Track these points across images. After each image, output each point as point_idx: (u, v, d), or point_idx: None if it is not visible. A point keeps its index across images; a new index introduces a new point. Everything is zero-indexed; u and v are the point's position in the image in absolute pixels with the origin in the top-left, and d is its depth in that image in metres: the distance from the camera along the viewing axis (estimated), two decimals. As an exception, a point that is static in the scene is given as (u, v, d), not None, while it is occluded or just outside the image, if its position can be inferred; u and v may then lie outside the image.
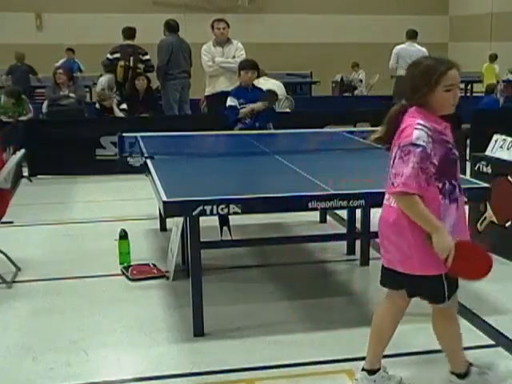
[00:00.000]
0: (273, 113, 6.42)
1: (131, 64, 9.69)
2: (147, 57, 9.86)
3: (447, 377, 3.35)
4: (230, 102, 6.33)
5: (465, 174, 5.80)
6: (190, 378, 3.41)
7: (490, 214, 5.32)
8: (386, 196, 3.11)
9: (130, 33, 9.92)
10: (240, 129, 6.28)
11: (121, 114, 9.56)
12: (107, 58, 9.88)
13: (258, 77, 9.05)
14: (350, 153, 5.32)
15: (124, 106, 9.73)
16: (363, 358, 3.56)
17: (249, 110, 6.20)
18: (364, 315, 4.17)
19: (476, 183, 4.07)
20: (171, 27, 9.62)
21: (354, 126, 8.81)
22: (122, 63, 9.67)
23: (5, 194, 5.00)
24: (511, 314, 4.18)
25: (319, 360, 3.55)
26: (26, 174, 8.37)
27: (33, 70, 13.53)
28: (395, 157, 2.94)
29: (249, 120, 6.34)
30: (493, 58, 15.43)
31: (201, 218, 3.66)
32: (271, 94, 6.40)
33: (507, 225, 5.16)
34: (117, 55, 9.74)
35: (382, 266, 3.19)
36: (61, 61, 14.45)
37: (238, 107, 6.26)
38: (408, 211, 2.92)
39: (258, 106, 6.17)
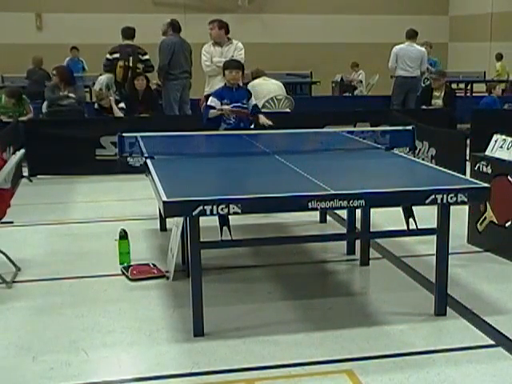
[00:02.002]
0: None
1: (130, 64, 9.69)
2: (146, 57, 9.86)
3: (446, 377, 3.36)
4: (210, 102, 6.41)
5: (465, 173, 5.81)
6: (189, 378, 3.41)
7: (490, 214, 5.32)
8: None
9: (129, 33, 9.92)
10: (225, 129, 6.32)
11: (119, 113, 9.56)
12: (106, 59, 9.88)
13: (258, 77, 9.11)
14: (349, 153, 5.32)
15: (122, 104, 9.73)
16: (363, 358, 3.58)
17: (217, 113, 6.27)
18: (364, 315, 4.17)
19: (476, 183, 4.07)
20: (176, 27, 9.63)
21: (354, 126, 8.81)
22: (121, 63, 9.68)
23: (5, 194, 5.00)
24: (511, 314, 4.18)
25: (319, 360, 3.55)
26: (25, 174, 8.37)
27: (49, 75, 13.41)
28: None
29: (233, 120, 6.37)
30: (499, 58, 15.58)
31: (201, 218, 3.66)
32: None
33: (507, 225, 5.16)
34: (116, 55, 9.74)
35: None
36: (66, 60, 14.45)
37: (216, 108, 6.31)
38: None
39: (226, 109, 6.28)
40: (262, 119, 6.45)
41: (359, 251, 5.13)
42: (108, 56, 9.85)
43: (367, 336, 3.84)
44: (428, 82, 11.26)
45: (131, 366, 3.58)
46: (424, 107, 10.27)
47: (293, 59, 17.37)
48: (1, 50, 16.13)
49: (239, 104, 6.39)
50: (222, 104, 6.33)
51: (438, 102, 10.23)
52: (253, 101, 6.61)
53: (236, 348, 3.71)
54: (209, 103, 6.42)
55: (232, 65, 6.54)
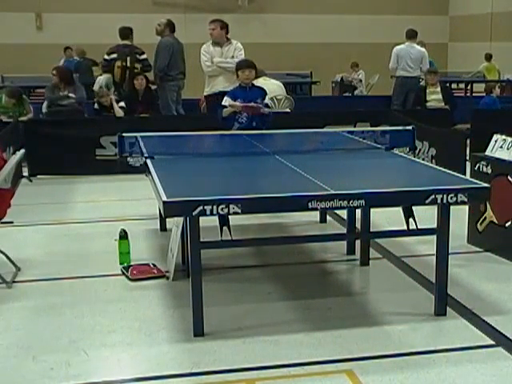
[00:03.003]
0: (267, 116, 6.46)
1: (128, 64, 9.68)
2: (144, 56, 9.82)
3: (446, 377, 3.36)
4: (224, 101, 6.35)
5: (465, 173, 5.82)
6: (189, 378, 3.41)
7: (490, 214, 5.32)
8: None
9: (125, 32, 9.89)
10: (238, 128, 6.30)
11: (120, 111, 9.56)
12: (104, 59, 9.89)
13: (258, 77, 9.10)
14: (349, 153, 5.32)
15: (122, 103, 9.73)
16: (363, 358, 3.58)
17: (231, 110, 6.24)
18: (364, 315, 4.17)
19: (476, 183, 4.07)
20: (172, 27, 9.62)
21: (354, 126, 8.81)
22: (118, 63, 9.67)
23: (5, 194, 5.00)
24: (511, 314, 4.18)
25: (319, 360, 3.55)
26: (26, 173, 8.37)
27: (95, 62, 13.52)
28: None
29: (245, 119, 6.35)
30: (488, 58, 15.58)
31: (201, 218, 3.66)
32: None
33: (507, 225, 5.16)
34: (114, 56, 9.73)
35: None
36: (61, 60, 14.46)
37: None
38: None
39: (237, 105, 6.23)
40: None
41: (359, 251, 5.12)
42: (106, 56, 9.86)
43: (367, 336, 3.84)
44: (422, 83, 11.26)
45: (131, 366, 3.58)
46: (418, 108, 10.33)
47: (293, 59, 17.37)
48: (1, 49, 16.13)
49: (253, 103, 6.36)
50: (237, 100, 6.30)
51: (436, 97, 10.27)
52: (266, 99, 6.57)
53: (236, 348, 3.71)
54: (223, 103, 6.35)
55: (244, 64, 6.53)
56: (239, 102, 6.30)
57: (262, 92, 6.56)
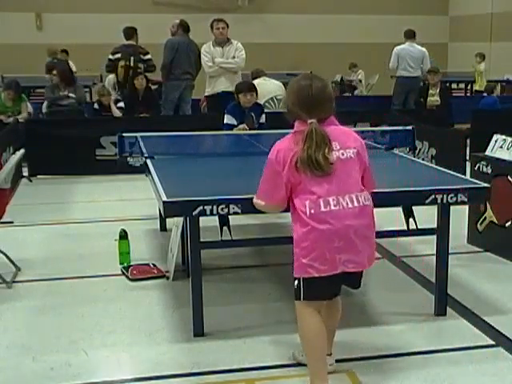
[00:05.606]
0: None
1: (131, 64, 9.69)
2: (148, 56, 9.83)
3: (446, 377, 3.36)
4: (228, 120, 6.31)
5: (465, 173, 5.82)
6: (189, 378, 3.41)
7: (490, 214, 5.32)
8: (367, 196, 3.44)
9: (128, 32, 9.89)
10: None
11: (118, 112, 9.57)
12: (109, 59, 9.89)
13: (258, 77, 9.10)
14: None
15: (121, 104, 9.73)
16: (363, 358, 3.58)
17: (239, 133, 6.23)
18: (364, 315, 4.17)
19: (476, 183, 4.07)
20: (185, 27, 9.61)
21: (354, 126, 8.81)
22: (122, 63, 9.68)
23: (5, 193, 5.00)
24: (511, 314, 4.18)
25: (319, 360, 3.55)
26: (26, 174, 8.38)
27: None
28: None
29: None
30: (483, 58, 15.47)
31: (201, 218, 3.66)
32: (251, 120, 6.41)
33: (507, 225, 5.16)
34: (118, 55, 9.74)
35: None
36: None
37: (236, 124, 6.25)
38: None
39: (243, 128, 6.23)
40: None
41: (359, 251, 5.11)
42: (110, 56, 9.86)
43: (367, 336, 3.85)
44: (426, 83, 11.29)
45: (131, 366, 3.58)
46: (421, 100, 10.44)
47: (293, 59, 17.36)
48: (1, 49, 16.13)
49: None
50: (236, 120, 6.29)
51: (435, 99, 10.32)
52: (263, 118, 6.52)
53: (236, 348, 3.71)
54: (226, 121, 6.32)
55: (245, 88, 6.45)
56: (238, 122, 6.28)
57: (260, 109, 6.54)
